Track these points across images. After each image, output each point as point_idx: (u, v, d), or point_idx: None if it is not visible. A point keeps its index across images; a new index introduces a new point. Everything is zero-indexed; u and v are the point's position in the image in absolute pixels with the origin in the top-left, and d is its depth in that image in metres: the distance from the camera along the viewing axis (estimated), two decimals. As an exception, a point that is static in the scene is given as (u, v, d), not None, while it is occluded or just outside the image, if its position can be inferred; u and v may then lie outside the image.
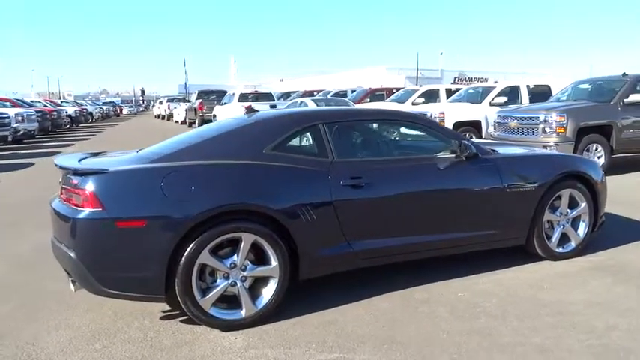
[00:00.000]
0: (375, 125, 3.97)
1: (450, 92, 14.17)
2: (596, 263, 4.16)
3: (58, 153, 14.34)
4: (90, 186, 2.85)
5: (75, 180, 2.95)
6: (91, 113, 34.01)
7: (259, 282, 3.17)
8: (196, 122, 21.49)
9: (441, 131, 3.87)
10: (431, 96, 14.08)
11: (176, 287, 2.94)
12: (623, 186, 7.45)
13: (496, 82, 12.81)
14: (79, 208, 2.87)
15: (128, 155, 3.71)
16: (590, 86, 9.79)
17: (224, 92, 23.08)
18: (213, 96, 22.70)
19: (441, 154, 3.74)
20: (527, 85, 11.77)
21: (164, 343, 2.96)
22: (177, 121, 29.04)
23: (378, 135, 4.03)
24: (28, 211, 6.63)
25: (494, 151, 4.05)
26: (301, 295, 3.48)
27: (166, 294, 2.97)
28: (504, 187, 3.85)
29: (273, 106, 15.37)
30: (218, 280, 3.06)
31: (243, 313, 3.09)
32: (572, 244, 4.29)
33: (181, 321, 3.24)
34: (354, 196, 3.35)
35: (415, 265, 3.89)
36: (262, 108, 14.95)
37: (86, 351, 2.90)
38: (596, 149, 8.50)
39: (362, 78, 49.30)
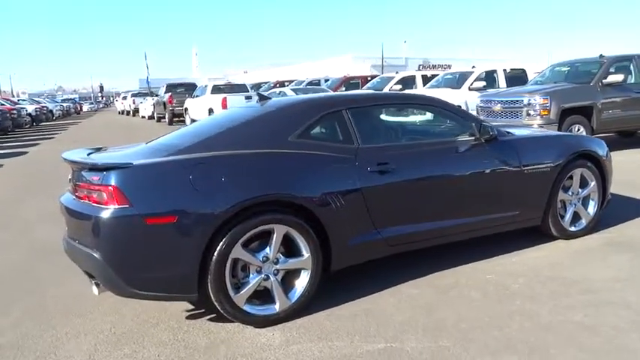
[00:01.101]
0: (395, 109, 3.88)
1: (425, 79, 14.25)
2: (608, 240, 4.22)
3: (25, 153, 13.73)
4: (114, 181, 2.66)
5: (95, 175, 2.75)
6: (51, 111, 32.74)
7: (291, 275, 3.06)
8: (166, 117, 20.93)
9: (460, 114, 3.82)
10: (407, 83, 14.13)
11: (209, 285, 2.79)
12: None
13: (473, 67, 12.93)
14: (102, 206, 2.68)
15: (137, 148, 3.52)
16: (568, 68, 9.98)
17: (193, 85, 22.60)
18: (182, 89, 22.16)
19: (461, 138, 3.69)
20: (504, 70, 11.95)
21: (198, 344, 2.81)
22: (143, 117, 28.25)
23: (399, 119, 3.95)
24: (17, 210, 6.28)
25: (509, 132, 4.03)
26: (326, 287, 3.38)
27: (198, 292, 2.82)
28: (522, 168, 3.84)
29: (248, 98, 15.09)
30: (251, 275, 2.93)
31: (277, 307, 2.97)
32: (584, 222, 4.34)
33: (209, 320, 3.10)
34: (381, 182, 3.27)
35: (434, 250, 3.84)
36: (237, 100, 14.74)
37: (116, 357, 2.72)
38: (578, 130, 8.67)
39: (328, 68, 49.27)
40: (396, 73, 15.12)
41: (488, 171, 3.70)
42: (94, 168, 2.81)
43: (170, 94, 20.30)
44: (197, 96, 17.32)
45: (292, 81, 21.80)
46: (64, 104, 41.84)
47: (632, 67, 9.28)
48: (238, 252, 2.83)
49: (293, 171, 3.01)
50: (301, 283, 3.05)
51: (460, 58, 60.79)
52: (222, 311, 2.88)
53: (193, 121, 17.76)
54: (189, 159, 2.85)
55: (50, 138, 18.46)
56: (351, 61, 57.00)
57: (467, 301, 3.18)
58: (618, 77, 8.80)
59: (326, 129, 3.32)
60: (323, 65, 55.41)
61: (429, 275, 3.62)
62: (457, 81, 12.37)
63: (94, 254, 2.69)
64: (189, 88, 21.33)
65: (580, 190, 4.31)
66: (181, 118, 20.67)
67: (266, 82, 24.42)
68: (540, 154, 3.97)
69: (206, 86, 17.02)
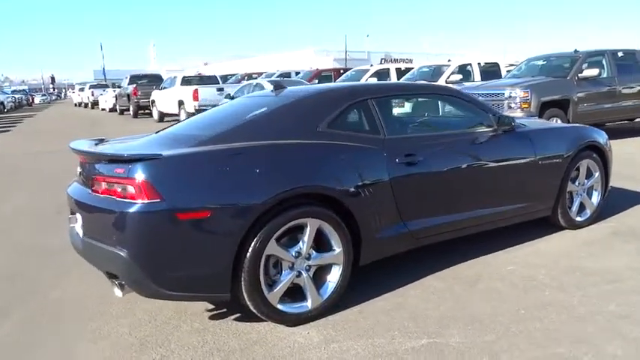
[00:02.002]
0: (419, 100, 3.80)
1: (399, 72, 14.30)
2: (612, 230, 4.29)
3: (-17, 146, 12.94)
4: (143, 174, 2.45)
5: (119, 168, 2.54)
6: (2, 103, 31.12)
7: (321, 271, 2.94)
8: (131, 110, 20.20)
9: (479, 105, 3.78)
10: (382, 76, 14.13)
11: (242, 283, 2.64)
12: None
13: (449, 60, 13.06)
14: (129, 200, 2.47)
15: (148, 139, 3.32)
16: (543, 63, 10.20)
17: (159, 77, 21.95)
18: (145, 80, 21.47)
19: (480, 128, 3.66)
20: (479, 63, 12.11)
21: (231, 346, 2.66)
22: (104, 109, 27.26)
23: (422, 110, 3.87)
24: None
25: (522, 124, 4.03)
26: (349, 282, 3.28)
27: (231, 291, 2.66)
28: (537, 159, 3.85)
29: (220, 90, 14.75)
30: (284, 272, 2.79)
31: (309, 305, 2.85)
32: (588, 212, 4.40)
33: (234, 320, 2.95)
34: (408, 174, 3.19)
35: (447, 242, 3.79)
36: (209, 91, 14.38)
37: (144, 363, 2.54)
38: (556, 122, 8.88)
39: (291, 60, 48.93)
40: (371, 65, 15.09)
41: (506, 162, 3.68)
42: (118, 159, 2.60)
43: (135, 85, 19.59)
44: (165, 88, 16.78)
45: (261, 73, 21.42)
46: (16, 96, 39.81)
47: (604, 61, 9.56)
48: (273, 248, 2.69)
49: (326, 162, 2.88)
50: (332, 278, 2.94)
51: (420, 52, 61.66)
52: (255, 311, 2.73)
53: (162, 114, 17.25)
54: (224, 149, 2.68)
55: (5, 131, 17.50)
56: (313, 54, 56.81)
57: (496, 294, 3.15)
58: (593, 72, 9.06)
59: (353, 119, 3.21)
60: (285, 58, 54.92)
61: (449, 268, 3.57)
62: (432, 74, 12.46)
63: (120, 253, 2.48)
64: (155, 80, 20.67)
65: (585, 180, 4.36)
66: (147, 111, 20.03)
67: (232, 75, 23.93)
68: (553, 145, 3.99)
69: (175, 77, 16.50)
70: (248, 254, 2.61)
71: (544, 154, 3.89)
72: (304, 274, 2.83)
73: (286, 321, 2.81)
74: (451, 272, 3.51)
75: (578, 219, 4.33)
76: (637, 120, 10.95)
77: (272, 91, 3.59)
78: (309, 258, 2.85)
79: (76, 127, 17.46)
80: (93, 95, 30.47)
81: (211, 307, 3.11)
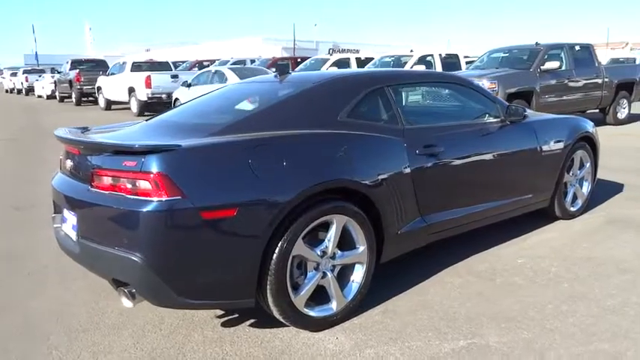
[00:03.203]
0: (432, 89, 3.64)
1: (359, 61, 14.20)
2: (604, 219, 4.34)
3: None
4: (160, 167, 2.14)
5: (129, 160, 2.21)
6: None
7: (344, 271, 2.74)
8: (73, 97, 18.98)
9: (489, 96, 3.68)
10: (341, 65, 13.97)
11: (268, 287, 2.39)
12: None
13: (411, 50, 13.07)
14: (143, 198, 2.16)
15: (140, 126, 2.99)
16: (505, 55, 10.37)
17: (102, 62, 20.75)
18: (88, 66, 20.27)
19: (491, 119, 3.56)
20: (440, 54, 12.18)
21: (256, 356, 2.41)
22: (40, 96, 25.54)
23: (436, 99, 3.72)
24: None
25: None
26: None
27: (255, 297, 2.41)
28: (541, 149, 3.81)
29: (174, 77, 14.09)
30: (309, 273, 2.56)
31: (334, 307, 2.64)
32: (579, 202, 4.44)
33: (250, 326, 2.69)
34: (428, 166, 3.03)
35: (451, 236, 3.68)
36: (162, 78, 13.71)
37: (161, 380, 2.25)
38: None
39: (238, 48, 47.92)
40: (330, 54, 14.89)
41: (516, 153, 3.62)
42: (127, 151, 2.26)
43: (77, 71, 18.38)
44: (113, 74, 15.83)
45: (213, 61, 20.74)
46: (-62, 81, 36.67)
47: (562, 55, 9.84)
48: (300, 248, 2.46)
49: (352, 154, 2.66)
50: (356, 278, 2.75)
51: (365, 42, 62.13)
52: (280, 316, 2.49)
53: (109, 101, 16.32)
54: (249, 140, 2.40)
55: None
56: (261, 42, 55.99)
57: (516, 288, 3.07)
58: (555, 64, 9.30)
59: (372, 108, 2.99)
60: (232, 46, 53.75)
61: (461, 262, 3.47)
62: (394, 65, 12.44)
63: (133, 258, 2.17)
64: (100, 65, 19.53)
65: (578, 171, 4.39)
66: (91, 99, 18.92)
67: (176, 62, 22.89)
68: (554, 135, 3.96)
69: (124, 63, 15.58)
70: (274, 255, 2.37)
71: (547, 145, 3.86)
72: (329, 275, 2.62)
73: (311, 325, 2.59)
74: (464, 267, 3.40)
75: (572, 209, 4.36)
76: (588, 112, 11.40)
77: (275, 76, 3.32)
78: (333, 257, 2.64)
79: (13, 116, 16.21)
80: (27, 81, 28.48)
81: (220, 312, 2.84)
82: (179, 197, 2.14)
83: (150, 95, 13.67)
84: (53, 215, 2.90)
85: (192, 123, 2.80)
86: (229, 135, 2.47)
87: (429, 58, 12.41)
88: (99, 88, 16.75)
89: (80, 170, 2.51)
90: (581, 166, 4.42)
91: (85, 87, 18.24)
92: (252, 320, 2.74)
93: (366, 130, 2.83)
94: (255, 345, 2.51)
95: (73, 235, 2.57)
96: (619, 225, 4.16)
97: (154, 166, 2.15)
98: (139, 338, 2.60)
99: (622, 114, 10.85)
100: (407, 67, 11.58)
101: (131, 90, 14.26)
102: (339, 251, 2.65)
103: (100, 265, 2.37)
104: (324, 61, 14.10)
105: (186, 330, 2.67)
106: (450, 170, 3.17)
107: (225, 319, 2.78)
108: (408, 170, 2.91)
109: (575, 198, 4.41)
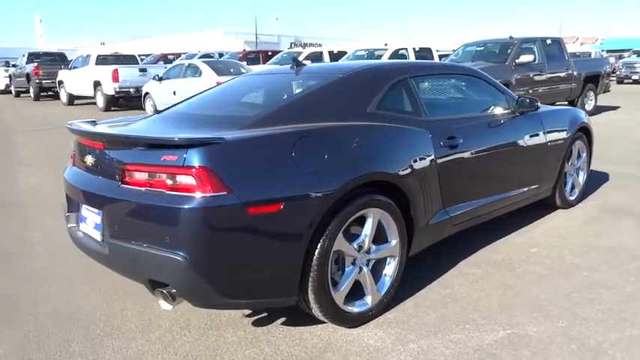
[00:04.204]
0: (450, 81, 3.62)
1: (331, 55, 14.15)
2: (601, 208, 4.46)
3: None
4: (205, 161, 2.03)
5: (169, 154, 2.08)
6: None
7: (377, 265, 2.69)
8: (31, 91, 18.10)
9: (498, 87, 3.70)
10: (315, 59, 13.89)
11: (310, 283, 2.32)
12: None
13: (386, 44, 13.12)
14: (187, 194, 2.04)
15: (164, 118, 2.85)
16: (479, 48, 10.55)
17: (62, 55, 19.91)
18: (47, 59, 19.37)
19: (504, 110, 3.58)
20: (414, 48, 12.28)
21: (298, 356, 2.33)
22: (-8, 91, 24.24)
23: (451, 91, 3.70)
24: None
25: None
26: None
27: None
28: (547, 140, 3.87)
29: (143, 70, 13.64)
30: (347, 269, 2.51)
31: (369, 302, 2.60)
32: (577, 191, 4.55)
33: (283, 324, 2.62)
34: (451, 157, 3.02)
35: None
36: (129, 72, 13.27)
37: (205, 385, 2.15)
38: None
39: (198, 42, 47.01)
40: (303, 47, 14.78)
41: (527, 143, 3.66)
42: (165, 144, 2.14)
43: (36, 64, 17.54)
44: (76, 67, 15.18)
45: (179, 54, 20.24)
46: None
47: (535, 48, 10.09)
48: (340, 243, 2.39)
49: (385, 146, 2.62)
50: (389, 272, 2.71)
51: (327, 37, 62.11)
52: (320, 314, 2.42)
53: (72, 96, 15.67)
54: (290, 132, 2.31)
55: None
56: (222, 36, 55.11)
57: (538, 277, 3.10)
58: (529, 57, 9.52)
59: (398, 99, 2.95)
60: (192, 39, 52.62)
61: (476, 253, 3.49)
62: (368, 58, 12.45)
63: (175, 257, 2.05)
64: (59, 59, 18.72)
65: (576, 161, 4.50)
66: (50, 93, 18.13)
67: (142, 55, 22.23)
68: (558, 126, 4.03)
69: (88, 56, 14.95)
70: (317, 251, 2.30)
71: (553, 135, 3.93)
72: (365, 269, 2.57)
73: (349, 322, 2.53)
74: (480, 258, 3.42)
75: (570, 198, 4.46)
76: (556, 104, 11.76)
77: (291, 67, 3.23)
78: (368, 252, 2.59)
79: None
80: (-24, 75, 26.96)
81: (247, 312, 2.75)
82: (225, 192, 2.04)
83: (117, 89, 13.20)
84: (67, 214, 2.73)
85: (217, 115, 2.69)
86: (265, 127, 2.37)
87: (402, 52, 12.49)
88: (60, 83, 16.05)
89: (105, 165, 2.35)
90: (579, 156, 4.53)
91: (44, 81, 17.42)
92: (283, 318, 2.66)
93: (393, 121, 2.79)
94: (293, 344, 2.43)
95: (97, 235, 2.42)
96: (615, 214, 4.29)
97: (197, 160, 2.03)
98: (168, 342, 2.48)
99: (589, 105, 11.23)
100: (383, 60, 11.61)
101: (97, 84, 13.72)
102: (373, 245, 2.61)
103: (134, 266, 2.23)
104: (298, 54, 13.97)
105: (217, 331, 2.57)
106: (469, 161, 3.17)
107: (254, 318, 2.69)
108: (434, 162, 2.89)
109: (573, 187, 4.52)
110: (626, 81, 23.18)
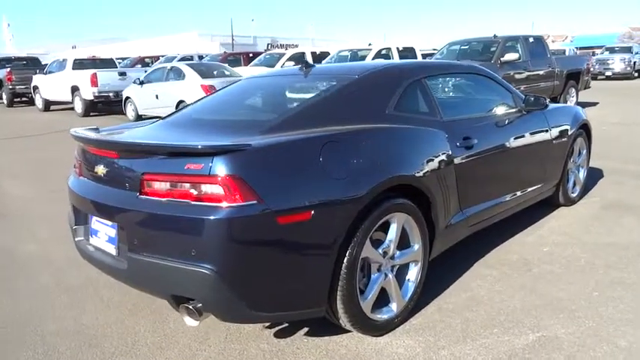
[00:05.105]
0: (461, 80, 3.58)
1: (314, 55, 14.08)
2: (602, 205, 4.48)
3: None
4: (233, 169, 1.93)
5: (193, 163, 1.97)
6: None
7: (401, 270, 2.62)
8: (4, 97, 17.53)
9: (506, 86, 3.68)
10: (298, 60, 13.77)
11: (339, 292, 2.24)
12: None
13: (370, 44, 13.09)
14: (214, 204, 1.94)
15: (168, 124, 2.73)
16: (463, 47, 10.60)
17: (35, 60, 19.39)
18: (19, 64, 18.83)
19: (512, 109, 3.56)
20: (397, 48, 12.29)
21: (328, 368, 2.25)
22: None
23: (464, 90, 3.66)
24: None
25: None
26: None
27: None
28: (553, 138, 3.87)
29: (122, 74, 13.33)
30: (373, 276, 2.43)
31: (394, 309, 2.53)
32: (578, 188, 4.57)
33: (306, 334, 2.53)
34: (467, 158, 2.98)
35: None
36: (109, 76, 12.97)
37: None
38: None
39: (173, 44, 46.41)
40: (286, 48, 14.67)
41: (535, 142, 3.65)
42: (189, 152, 2.02)
43: (8, 69, 16.99)
44: (51, 72, 14.75)
45: (158, 57, 19.88)
46: None
47: (518, 46, 10.18)
48: (368, 250, 2.32)
49: (408, 149, 2.56)
50: (412, 277, 2.65)
51: (305, 37, 62.01)
52: (348, 323, 2.34)
53: (47, 102, 15.24)
54: (316, 137, 2.22)
55: None
56: (197, 38, 54.54)
57: (556, 277, 3.08)
58: (514, 56, 9.60)
59: (414, 100, 2.89)
60: (167, 42, 51.92)
61: (489, 254, 3.45)
62: (351, 59, 12.42)
63: (203, 270, 1.94)
64: (33, 64, 18.19)
65: (577, 158, 4.51)
66: (24, 99, 17.60)
67: (118, 59, 21.70)
68: (562, 124, 4.03)
69: (64, 60, 14.53)
70: (345, 259, 2.22)
71: (558, 134, 3.92)
72: (390, 276, 2.50)
73: (375, 330, 2.46)
74: (494, 258, 3.38)
75: (572, 195, 4.47)
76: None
77: (300, 69, 3.14)
78: (393, 257, 2.52)
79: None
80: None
81: (267, 324, 2.64)
82: (254, 201, 1.94)
83: (96, 94, 12.85)
84: (74, 227, 2.58)
85: (231, 120, 2.59)
86: (286, 132, 2.28)
87: (384, 52, 12.49)
88: (35, 88, 15.57)
89: (119, 175, 2.23)
90: (579, 153, 4.54)
91: (17, 87, 16.88)
92: (305, 329, 2.57)
93: (411, 123, 2.73)
94: (321, 355, 2.35)
95: (111, 248, 2.29)
96: (617, 211, 4.30)
97: (224, 168, 1.93)
98: (189, 358, 2.37)
99: (571, 102, 11.38)
100: (368, 60, 11.59)
101: (74, 89, 13.35)
102: (397, 251, 2.54)
103: (156, 281, 2.11)
104: (280, 55, 13.86)
105: (239, 345, 2.47)
106: (483, 162, 3.13)
107: (275, 329, 2.60)
108: (452, 163, 2.84)
109: (574, 184, 4.53)
110: (599, 77, 23.69)
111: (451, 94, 3.50)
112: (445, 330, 2.53)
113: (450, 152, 2.84)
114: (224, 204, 1.93)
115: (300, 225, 2.05)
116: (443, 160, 2.76)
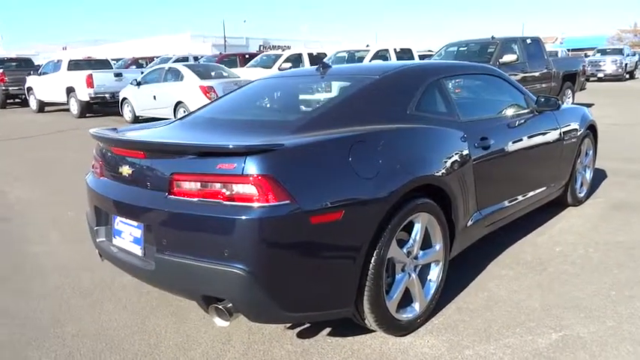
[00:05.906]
0: (475, 81, 3.60)
1: (311, 57, 14.08)
2: (608, 204, 4.53)
3: None
4: (266, 169, 1.93)
5: (225, 163, 1.97)
6: None
7: (422, 270, 2.63)
8: (-4, 98, 17.35)
9: (518, 87, 3.71)
10: (295, 61, 13.78)
11: (366, 292, 2.24)
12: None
13: (367, 45, 13.12)
14: (247, 204, 1.93)
15: (188, 124, 2.73)
16: (462, 48, 10.67)
17: (28, 60, 19.22)
18: (12, 65, 18.64)
19: (525, 110, 3.59)
20: (395, 49, 12.33)
21: (355, 368, 2.25)
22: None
23: (479, 91, 3.67)
24: None
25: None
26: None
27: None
28: (563, 138, 3.90)
29: (118, 75, 13.25)
30: (397, 276, 2.44)
31: (417, 308, 2.53)
32: (585, 189, 4.61)
33: (329, 335, 2.53)
34: (485, 158, 3.00)
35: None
36: (105, 77, 12.90)
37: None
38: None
39: (165, 45, 46.25)
40: (282, 50, 14.66)
41: (547, 143, 3.68)
42: (220, 152, 2.02)
43: (1, 70, 16.80)
44: (46, 73, 14.63)
45: (152, 58, 19.79)
46: None
47: (516, 48, 10.25)
48: (394, 249, 2.33)
49: (432, 148, 2.57)
50: (433, 277, 2.66)
51: (298, 39, 62.02)
52: (374, 323, 2.34)
53: (42, 103, 15.12)
54: (346, 137, 2.22)
55: None
56: (189, 39, 54.38)
57: (572, 277, 3.10)
58: (512, 57, 9.67)
59: (433, 100, 2.90)
60: (158, 42, 51.71)
61: (502, 254, 3.47)
62: (349, 60, 12.44)
63: (235, 270, 1.94)
64: (26, 65, 18.02)
65: (584, 158, 4.55)
66: (17, 100, 17.44)
67: (120, 59, 21.55)
68: (572, 124, 4.07)
69: (59, 61, 14.42)
70: (373, 258, 2.22)
71: (568, 134, 3.96)
72: (413, 276, 2.51)
73: (399, 330, 2.46)
74: (508, 258, 3.40)
75: (580, 195, 4.51)
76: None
77: (317, 70, 3.14)
78: (416, 258, 2.53)
79: None
80: None
81: (288, 324, 2.64)
82: (287, 201, 1.94)
83: (92, 95, 12.77)
84: (96, 228, 2.56)
85: (256, 120, 2.59)
86: (314, 132, 2.28)
87: (382, 53, 12.53)
88: (29, 89, 15.44)
89: (146, 176, 2.21)
90: (586, 153, 4.58)
91: (10, 88, 16.72)
92: (327, 329, 2.57)
93: (432, 123, 2.75)
94: (346, 355, 2.35)
95: (137, 249, 2.28)
96: (623, 209, 4.35)
97: (258, 167, 1.93)
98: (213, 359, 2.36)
99: (567, 103, 11.49)
100: (365, 61, 11.62)
101: (70, 90, 13.25)
102: (420, 251, 2.55)
103: (186, 282, 2.10)
104: (277, 56, 13.85)
105: (263, 345, 2.46)
106: (499, 162, 3.16)
107: (297, 330, 2.59)
108: (471, 163, 2.86)
109: (581, 185, 4.57)
110: (592, 79, 23.90)
111: (467, 94, 3.51)
112: (467, 330, 2.54)
113: (469, 152, 2.85)
114: (257, 204, 1.93)
115: (332, 225, 2.05)
116: (463, 160, 2.77)
